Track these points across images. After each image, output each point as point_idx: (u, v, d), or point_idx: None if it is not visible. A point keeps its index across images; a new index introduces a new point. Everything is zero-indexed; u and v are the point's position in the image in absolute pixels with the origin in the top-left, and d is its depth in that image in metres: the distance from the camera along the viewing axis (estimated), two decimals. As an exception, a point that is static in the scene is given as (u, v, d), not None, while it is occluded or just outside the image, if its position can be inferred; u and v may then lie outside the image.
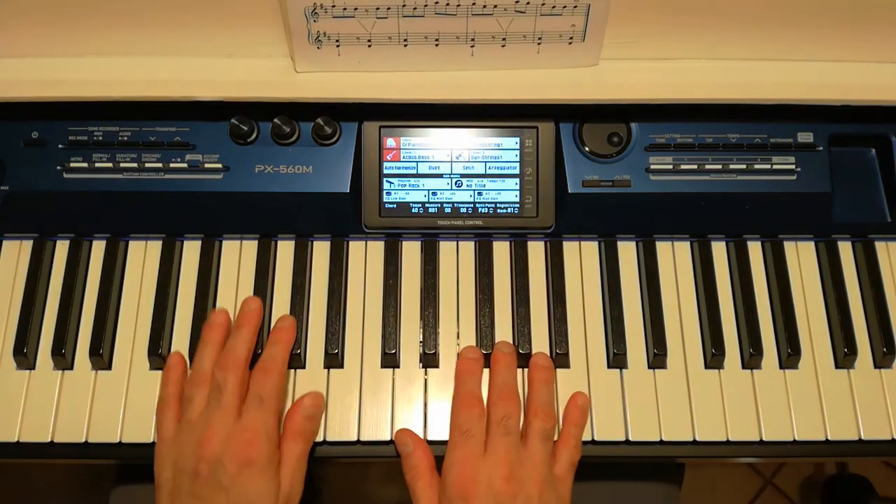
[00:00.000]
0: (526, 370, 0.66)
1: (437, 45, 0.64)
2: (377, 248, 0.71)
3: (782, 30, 0.65)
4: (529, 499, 0.57)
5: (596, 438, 0.64)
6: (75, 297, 0.69)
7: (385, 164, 0.70)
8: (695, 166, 0.70)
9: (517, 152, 0.70)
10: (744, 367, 0.67)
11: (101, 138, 0.70)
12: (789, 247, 0.71)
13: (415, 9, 0.61)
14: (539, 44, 0.64)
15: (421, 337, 0.68)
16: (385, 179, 0.70)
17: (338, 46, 0.64)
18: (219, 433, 0.57)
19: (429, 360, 0.67)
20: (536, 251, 0.71)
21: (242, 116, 0.68)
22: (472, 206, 0.70)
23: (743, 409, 0.65)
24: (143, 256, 0.71)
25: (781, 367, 0.67)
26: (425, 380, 0.67)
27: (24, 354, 0.66)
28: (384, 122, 0.70)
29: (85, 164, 0.69)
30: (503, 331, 0.68)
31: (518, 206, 0.70)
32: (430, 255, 0.70)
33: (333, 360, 0.66)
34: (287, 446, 0.60)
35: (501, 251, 0.71)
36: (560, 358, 0.67)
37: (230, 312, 0.68)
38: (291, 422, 0.61)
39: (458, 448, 0.59)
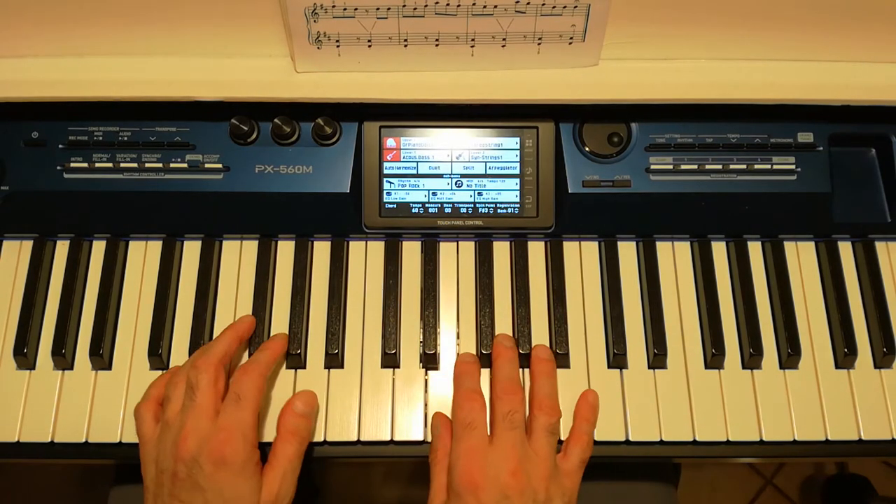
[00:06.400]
0: (526, 370, 0.66)
1: (437, 45, 0.64)
2: (377, 248, 0.71)
3: (782, 30, 0.65)
4: (536, 493, 0.57)
5: (596, 438, 0.64)
6: (75, 297, 0.69)
7: (385, 164, 0.70)
8: (695, 166, 0.70)
9: (517, 152, 0.70)
10: (744, 367, 0.67)
11: (101, 138, 0.70)
12: (789, 247, 0.71)
13: (415, 9, 0.61)
14: (539, 44, 0.64)
15: (421, 337, 0.68)
16: (385, 179, 0.70)
17: (338, 46, 0.64)
18: (194, 433, 0.56)
19: (429, 360, 0.67)
20: (536, 251, 0.71)
21: (242, 116, 0.68)
22: (472, 206, 0.70)
23: (743, 409, 0.65)
24: (143, 256, 0.71)
25: (781, 367, 0.67)
26: (425, 380, 0.67)
27: (24, 354, 0.66)
28: (384, 122, 0.70)
29: (85, 164, 0.69)
30: (503, 331, 0.68)
31: (518, 206, 0.70)
32: (430, 255, 0.70)
33: (333, 360, 0.66)
34: (280, 446, 0.59)
35: (501, 251, 0.71)
36: (560, 358, 0.67)
37: (230, 313, 0.68)
38: (284, 420, 0.61)
39: (463, 441, 0.59)
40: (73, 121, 0.70)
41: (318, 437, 0.64)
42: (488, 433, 0.60)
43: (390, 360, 0.67)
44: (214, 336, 0.67)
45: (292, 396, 0.62)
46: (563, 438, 0.63)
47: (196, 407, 0.57)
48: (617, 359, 0.67)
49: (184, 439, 0.56)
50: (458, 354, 0.67)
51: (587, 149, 0.70)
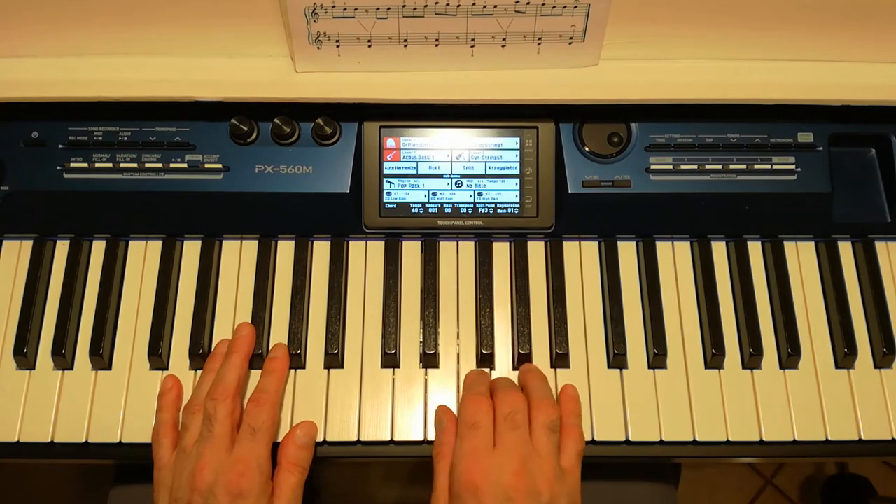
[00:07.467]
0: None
1: (437, 45, 0.64)
2: (377, 248, 0.71)
3: (782, 30, 0.65)
4: (540, 495, 0.56)
5: (596, 438, 0.64)
6: (75, 297, 0.69)
7: (385, 164, 0.70)
8: (695, 166, 0.70)
9: (517, 152, 0.70)
10: (744, 367, 0.67)
11: (101, 138, 0.70)
12: (789, 247, 0.71)
13: (415, 9, 0.61)
14: (539, 44, 0.64)
15: (421, 337, 0.68)
16: (385, 179, 0.70)
17: (338, 46, 0.64)
18: (211, 464, 0.57)
19: (429, 360, 0.67)
20: (536, 251, 0.71)
21: (242, 116, 0.68)
22: (472, 206, 0.70)
23: (743, 409, 0.65)
24: (143, 256, 0.71)
25: (781, 367, 0.67)
26: (425, 380, 0.67)
27: (24, 354, 0.66)
28: (384, 122, 0.70)
29: (85, 164, 0.69)
30: (503, 331, 0.68)
31: (518, 206, 0.70)
32: (430, 255, 0.70)
33: (333, 360, 0.66)
34: (282, 477, 0.60)
35: (501, 251, 0.71)
36: (560, 358, 0.67)
37: (230, 313, 0.68)
38: (286, 452, 0.61)
39: (466, 441, 0.59)
40: (73, 121, 0.70)
41: (318, 437, 0.64)
42: (492, 434, 0.60)
43: (390, 359, 0.67)
44: (215, 338, 0.68)
45: (293, 427, 0.63)
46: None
47: (213, 438, 0.58)
48: (617, 359, 0.67)
49: (200, 470, 0.57)
50: (458, 355, 0.67)
51: (587, 149, 0.70)
